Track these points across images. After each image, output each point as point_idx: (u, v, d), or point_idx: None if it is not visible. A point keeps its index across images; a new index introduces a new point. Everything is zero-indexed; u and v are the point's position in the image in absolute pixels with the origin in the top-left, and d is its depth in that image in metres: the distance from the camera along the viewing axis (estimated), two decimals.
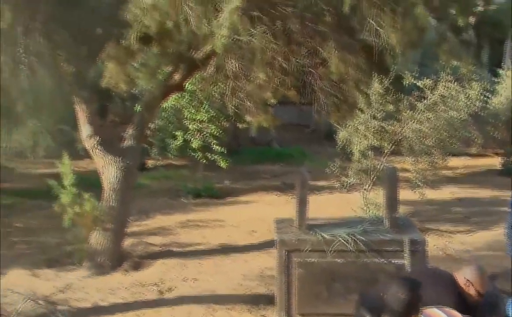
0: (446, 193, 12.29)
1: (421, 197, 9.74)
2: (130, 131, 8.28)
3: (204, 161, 12.89)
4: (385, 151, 9.37)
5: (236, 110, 9.79)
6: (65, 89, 5.69)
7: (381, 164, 9.27)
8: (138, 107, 11.03)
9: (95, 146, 7.92)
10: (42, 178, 9.13)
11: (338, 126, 9.53)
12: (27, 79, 4.41)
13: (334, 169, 9.38)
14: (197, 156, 12.84)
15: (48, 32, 4.77)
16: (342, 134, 9.45)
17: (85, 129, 7.95)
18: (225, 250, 8.81)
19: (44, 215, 9.84)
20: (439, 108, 9.27)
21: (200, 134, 12.77)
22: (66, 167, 7.58)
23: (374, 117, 9.08)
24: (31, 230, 9.64)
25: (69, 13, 4.82)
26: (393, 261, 5.71)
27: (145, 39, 7.94)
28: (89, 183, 8.81)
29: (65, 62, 5.54)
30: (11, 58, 4.32)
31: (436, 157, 9.58)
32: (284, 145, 19.17)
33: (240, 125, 13.23)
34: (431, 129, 9.27)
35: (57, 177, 7.70)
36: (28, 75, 4.43)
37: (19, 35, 4.34)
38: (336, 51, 7.28)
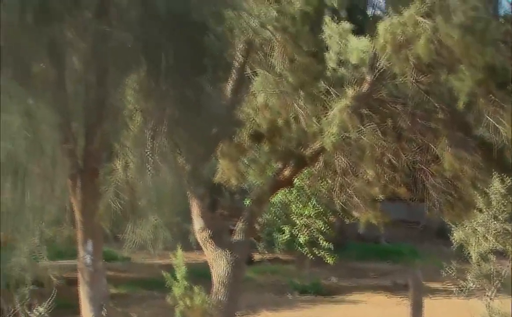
0: None
1: None
2: (239, 225, 8.48)
3: (311, 257, 12.73)
4: (511, 256, 8.59)
5: (344, 206, 9.68)
6: (183, 185, 6.05)
7: (506, 269, 8.48)
8: (247, 202, 11.37)
9: (207, 239, 8.17)
10: (156, 268, 9.54)
11: (452, 225, 8.99)
12: (151, 177, 4.78)
13: (450, 271, 8.75)
14: (304, 251, 12.73)
15: (171, 133, 5.17)
16: (457, 234, 8.87)
17: (197, 223, 8.27)
18: None
19: (158, 305, 10.18)
20: None
21: (307, 229, 12.73)
22: (179, 259, 7.87)
23: (496, 218, 8.44)
24: None
25: (190, 116, 5.22)
26: None
27: (256, 137, 8.32)
28: (199, 274, 9.04)
29: (183, 160, 5.91)
30: (140, 158, 4.75)
31: None
32: (393, 242, 18.41)
33: (347, 221, 13.02)
34: None
35: (170, 267, 8.00)
36: (152, 173, 4.80)
37: (147, 137, 4.77)
38: (450, 148, 7.05)
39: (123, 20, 4.56)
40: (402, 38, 5.80)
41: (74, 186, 4.84)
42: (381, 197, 9.42)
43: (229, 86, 7.48)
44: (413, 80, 6.42)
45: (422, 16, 5.72)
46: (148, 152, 4.79)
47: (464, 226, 8.68)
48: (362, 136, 7.05)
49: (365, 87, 7.07)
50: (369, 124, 7.10)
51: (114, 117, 4.85)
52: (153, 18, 4.50)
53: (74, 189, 4.85)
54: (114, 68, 4.70)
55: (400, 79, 6.63)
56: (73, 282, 5.51)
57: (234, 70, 7.37)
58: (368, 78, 6.99)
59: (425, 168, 7.92)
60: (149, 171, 4.79)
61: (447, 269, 8.76)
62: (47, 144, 4.23)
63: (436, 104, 6.81)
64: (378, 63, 6.61)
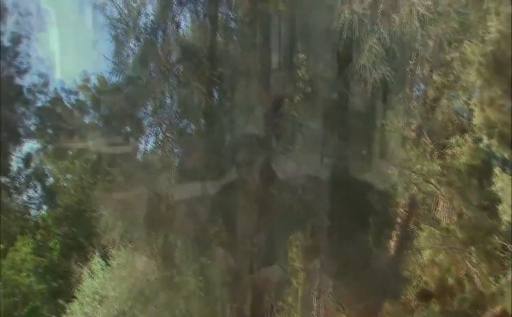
0: None
1: None
2: None
3: None
4: None
5: None
6: None
7: None
8: None
9: None
10: None
11: None
12: None
13: None
14: None
15: (335, 292, 5.11)
16: None
17: None
18: None
19: None
20: None
21: None
22: None
23: None
24: None
25: (355, 274, 5.14)
26: None
27: (424, 296, 7.77)
28: None
29: None
30: None
31: None
32: None
33: None
34: None
35: None
36: None
37: (312, 297, 4.77)
38: None
39: (289, 185, 4.84)
40: None
41: None
42: None
43: (393, 243, 7.29)
44: None
45: None
46: (313, 313, 4.75)
47: None
48: None
49: None
50: None
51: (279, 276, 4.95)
52: (317, 181, 4.70)
53: None
54: (280, 228, 4.91)
55: None
56: None
57: (397, 226, 7.22)
58: None
59: None
60: None
61: None
62: (218, 304, 4.43)
63: None
64: None
